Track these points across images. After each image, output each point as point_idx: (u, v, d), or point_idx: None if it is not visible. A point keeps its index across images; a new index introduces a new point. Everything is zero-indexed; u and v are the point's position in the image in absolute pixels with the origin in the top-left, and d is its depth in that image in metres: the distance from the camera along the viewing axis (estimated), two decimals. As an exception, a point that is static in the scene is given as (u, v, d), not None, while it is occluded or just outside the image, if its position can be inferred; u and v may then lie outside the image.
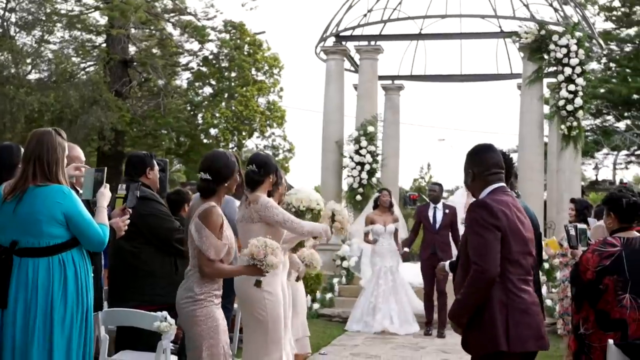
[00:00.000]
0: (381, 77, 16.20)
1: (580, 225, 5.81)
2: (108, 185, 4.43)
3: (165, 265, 5.93)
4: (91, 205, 4.48)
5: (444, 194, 14.32)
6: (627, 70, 28.06)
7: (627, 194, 4.99)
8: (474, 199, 4.21)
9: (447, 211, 10.48)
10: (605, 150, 30.21)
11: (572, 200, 8.59)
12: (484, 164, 4.11)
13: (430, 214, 10.57)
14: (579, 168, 13.66)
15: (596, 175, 31.61)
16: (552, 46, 12.86)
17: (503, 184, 4.11)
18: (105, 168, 4.53)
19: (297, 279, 6.67)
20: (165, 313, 5.22)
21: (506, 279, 3.86)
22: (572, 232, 5.67)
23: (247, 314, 5.30)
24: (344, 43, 14.74)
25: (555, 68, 13.18)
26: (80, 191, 4.59)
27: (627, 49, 29.53)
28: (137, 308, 5.43)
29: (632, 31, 29.51)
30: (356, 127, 14.19)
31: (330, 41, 14.70)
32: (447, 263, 4.83)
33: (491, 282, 3.79)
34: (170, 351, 5.27)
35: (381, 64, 14.91)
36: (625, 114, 27.28)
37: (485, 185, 4.08)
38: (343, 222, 6.05)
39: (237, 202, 6.02)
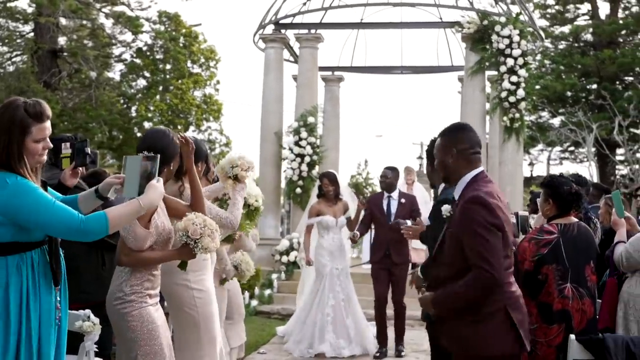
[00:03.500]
0: (321, 69, 15.81)
1: (522, 213, 5.54)
2: (162, 180, 3.61)
3: (91, 260, 5.43)
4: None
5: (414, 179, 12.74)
6: (562, 67, 28.48)
7: (569, 181, 4.76)
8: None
9: (403, 201, 8.58)
10: (540, 146, 30.65)
11: (531, 192, 8.63)
12: (468, 141, 3.68)
13: (384, 204, 8.59)
14: (522, 160, 13.58)
15: (531, 171, 32.00)
16: (494, 36, 12.68)
17: (483, 168, 3.72)
18: (158, 155, 3.60)
19: (222, 282, 5.98)
20: (88, 312, 4.71)
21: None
22: (513, 219, 5.38)
23: (176, 314, 4.82)
24: (283, 31, 14.30)
25: (496, 59, 12.97)
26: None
27: (561, 47, 30.02)
28: (59, 306, 4.93)
29: (566, 29, 30.03)
30: (296, 117, 13.77)
31: (269, 29, 14.25)
32: (418, 270, 4.40)
33: (497, 287, 3.44)
34: (94, 353, 4.79)
35: (321, 55, 14.55)
36: (560, 110, 27.63)
37: (468, 165, 3.66)
38: (244, 164, 4.95)
39: None
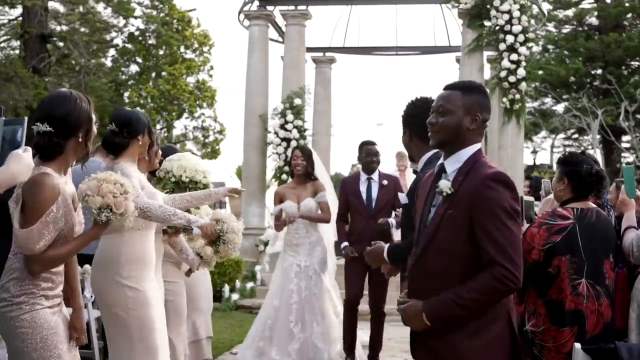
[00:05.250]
0: (312, 49, 15.12)
1: (527, 198, 4.74)
2: (30, 150, 2.92)
3: (2, 249, 4.66)
4: None
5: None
6: (565, 52, 27.74)
7: (590, 160, 3.98)
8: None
9: (385, 182, 7.13)
10: (543, 134, 29.93)
11: (528, 177, 7.87)
12: (490, 111, 3.06)
13: (363, 188, 7.13)
14: (522, 145, 12.76)
15: (534, 159, 31.25)
16: (493, 12, 11.86)
17: None
18: (25, 119, 2.94)
19: (188, 273, 5.18)
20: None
21: None
22: None
23: (106, 316, 4.09)
24: (270, 8, 13.50)
25: (495, 37, 12.15)
26: None
27: (565, 30, 29.26)
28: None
29: (570, 12, 29.26)
30: (282, 99, 12.98)
31: (255, 6, 13.45)
32: (385, 248, 3.54)
33: (513, 292, 2.83)
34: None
35: (312, 35, 13.80)
36: (564, 96, 26.87)
37: (477, 138, 3.01)
38: (233, 239, 4.45)
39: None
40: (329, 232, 7.38)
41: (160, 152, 4.81)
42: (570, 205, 3.91)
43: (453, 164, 2.96)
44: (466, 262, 2.79)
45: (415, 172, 3.96)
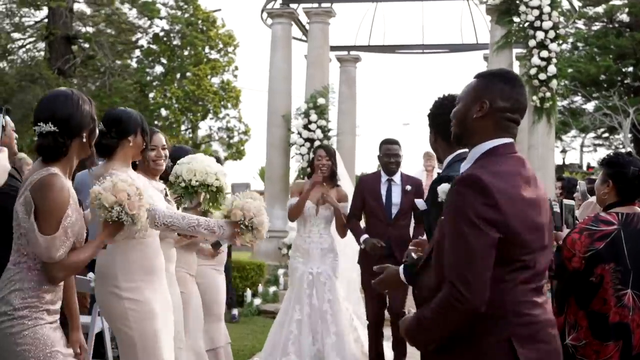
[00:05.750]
0: (336, 48, 14.88)
1: (567, 201, 4.42)
2: (6, 150, 2.84)
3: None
4: None
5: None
6: (596, 49, 27.25)
7: (637, 161, 3.69)
8: None
9: (408, 188, 6.51)
10: (572, 133, 29.45)
11: (560, 178, 7.55)
12: (511, 100, 2.56)
13: (383, 190, 6.53)
14: (553, 144, 12.38)
15: (563, 158, 30.72)
16: (522, 7, 11.50)
17: (513, 140, 2.58)
18: (3, 109, 2.83)
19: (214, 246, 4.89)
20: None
21: (508, 290, 2.38)
22: (557, 209, 4.26)
23: (113, 329, 3.89)
24: (294, 6, 13.26)
25: (524, 33, 11.78)
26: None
27: (595, 28, 28.79)
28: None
29: (600, 9, 28.75)
30: (305, 99, 12.72)
31: (278, 4, 13.22)
32: (401, 268, 3.00)
33: (472, 315, 2.32)
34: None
35: (336, 34, 13.52)
36: (594, 94, 26.38)
37: (495, 132, 2.54)
38: (259, 225, 3.78)
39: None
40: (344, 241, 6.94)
41: (166, 154, 4.55)
42: (614, 210, 3.65)
43: (465, 165, 2.60)
44: (437, 276, 2.47)
45: (438, 174, 3.68)
